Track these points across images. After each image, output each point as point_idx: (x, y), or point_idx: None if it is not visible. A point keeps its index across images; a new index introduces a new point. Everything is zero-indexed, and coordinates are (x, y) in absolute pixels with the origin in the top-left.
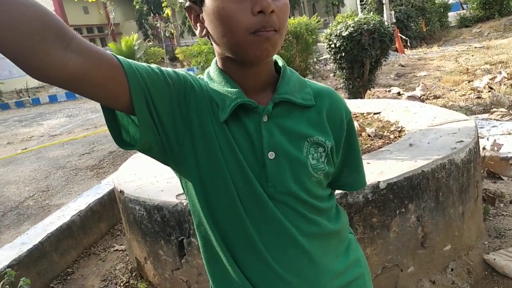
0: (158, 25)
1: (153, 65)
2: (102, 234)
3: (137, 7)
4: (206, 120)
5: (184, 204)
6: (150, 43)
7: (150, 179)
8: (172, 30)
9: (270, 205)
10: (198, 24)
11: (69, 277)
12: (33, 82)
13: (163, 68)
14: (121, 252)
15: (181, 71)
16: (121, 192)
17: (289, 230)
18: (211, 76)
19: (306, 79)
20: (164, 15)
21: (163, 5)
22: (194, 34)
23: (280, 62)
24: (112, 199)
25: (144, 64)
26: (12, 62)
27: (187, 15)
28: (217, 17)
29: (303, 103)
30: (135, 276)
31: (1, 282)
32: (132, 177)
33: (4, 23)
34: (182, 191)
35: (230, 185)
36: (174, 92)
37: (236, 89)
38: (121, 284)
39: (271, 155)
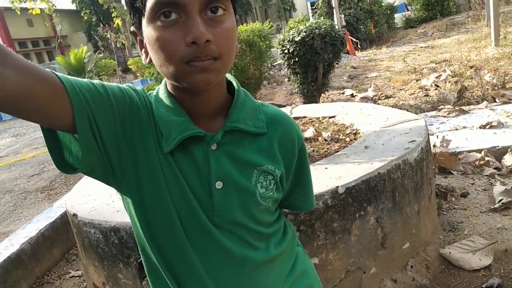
0: (109, 36)
1: (96, 81)
2: (56, 260)
3: (85, 18)
4: (150, 146)
5: None
6: (100, 55)
7: (105, 199)
8: (123, 41)
9: (215, 233)
10: (143, 50)
11: None
12: None
13: (107, 85)
14: (77, 278)
15: (128, 87)
16: (74, 215)
17: (233, 258)
18: (159, 98)
19: (260, 102)
20: (115, 25)
21: (112, 15)
22: None
23: (235, 84)
24: (65, 222)
25: (87, 81)
26: None
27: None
28: (153, 47)
29: (254, 131)
30: None
31: None
32: (86, 198)
33: None
34: None
35: (172, 213)
36: (118, 114)
37: (183, 118)
38: None
39: (219, 184)
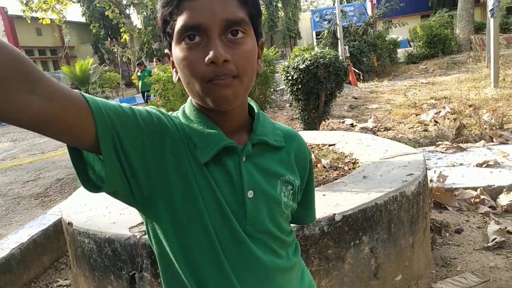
0: (115, 50)
1: (125, 104)
2: (45, 268)
3: (94, 31)
4: (183, 161)
5: (137, 237)
6: (106, 67)
7: (101, 210)
8: (129, 56)
9: (248, 243)
10: (174, 70)
11: None
12: None
13: (135, 108)
14: (65, 287)
15: (154, 110)
16: (70, 224)
17: (265, 267)
18: (188, 115)
19: (274, 121)
20: (122, 40)
21: (121, 30)
22: (151, 60)
23: (254, 106)
24: (58, 230)
25: (115, 103)
26: None
27: (168, 60)
28: (180, 67)
29: (275, 144)
30: None
31: None
32: (82, 207)
33: None
34: (135, 223)
35: (208, 226)
36: (146, 136)
37: (217, 131)
38: None
39: (250, 194)
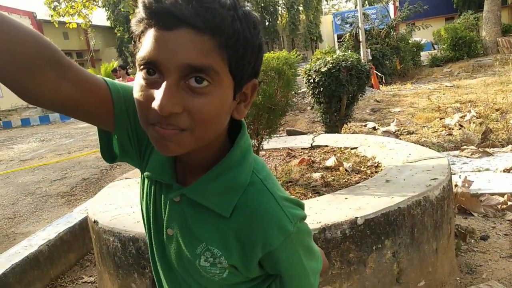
0: None
1: None
2: (71, 265)
3: (118, 34)
4: (143, 166)
5: None
6: (130, 70)
7: (126, 209)
8: None
9: (175, 272)
10: None
11: None
12: (5, 105)
13: None
14: (90, 284)
15: None
16: (95, 222)
17: None
18: None
19: (257, 180)
20: None
21: None
22: None
23: (236, 141)
24: (83, 228)
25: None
26: (5, 86)
27: None
28: (134, 96)
29: (214, 210)
30: None
31: None
32: (108, 206)
33: (1, 50)
34: None
35: (149, 234)
36: None
37: (163, 158)
38: None
39: (170, 231)
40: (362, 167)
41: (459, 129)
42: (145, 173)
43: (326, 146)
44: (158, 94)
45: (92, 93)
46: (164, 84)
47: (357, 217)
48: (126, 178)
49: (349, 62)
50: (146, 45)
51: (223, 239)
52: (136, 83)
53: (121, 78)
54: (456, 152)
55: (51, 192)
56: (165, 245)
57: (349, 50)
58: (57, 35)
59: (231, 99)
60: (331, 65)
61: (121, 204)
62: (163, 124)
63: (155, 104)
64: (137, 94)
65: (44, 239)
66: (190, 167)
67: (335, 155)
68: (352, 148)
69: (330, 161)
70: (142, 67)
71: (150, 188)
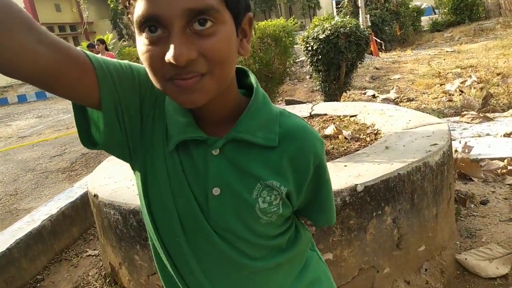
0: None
1: (124, 62)
2: (74, 238)
3: (112, 6)
4: (158, 139)
5: None
6: (125, 42)
7: (125, 183)
8: None
9: (213, 236)
10: None
11: (39, 284)
12: (1, 82)
13: (134, 66)
14: (94, 257)
15: None
16: (95, 196)
17: (229, 261)
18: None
19: (282, 110)
20: None
21: None
22: None
23: (254, 88)
24: (85, 203)
25: (115, 61)
26: None
27: None
28: (142, 61)
29: (261, 143)
30: (109, 282)
31: None
32: (107, 180)
33: None
34: None
35: (172, 208)
36: (139, 95)
37: (187, 120)
38: None
39: (216, 191)
40: (362, 134)
41: (460, 94)
42: (178, 138)
43: (325, 114)
44: (170, 46)
45: (72, 60)
46: (172, 35)
47: (356, 184)
48: None
49: (348, 28)
50: (141, 3)
51: (277, 168)
52: (141, 46)
53: (99, 54)
54: (457, 118)
55: (51, 168)
56: (210, 209)
57: (348, 16)
58: (49, 7)
59: (235, 35)
60: (329, 32)
61: (120, 177)
62: (182, 75)
63: (170, 56)
64: (144, 55)
65: (46, 214)
66: (212, 121)
67: (334, 123)
68: (351, 116)
69: (329, 130)
70: (142, 27)
71: (170, 159)
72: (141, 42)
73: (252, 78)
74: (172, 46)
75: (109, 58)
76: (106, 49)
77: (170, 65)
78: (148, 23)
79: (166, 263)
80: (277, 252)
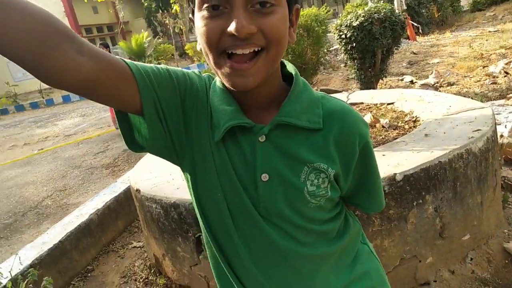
0: (167, 21)
1: (161, 66)
2: (120, 231)
3: (146, 4)
4: (203, 132)
5: None
6: (159, 40)
7: (165, 177)
8: (181, 26)
9: (261, 224)
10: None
11: (89, 274)
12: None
13: (171, 69)
14: (139, 248)
15: (192, 72)
16: (138, 190)
17: (278, 249)
18: (215, 88)
19: (322, 94)
20: (173, 11)
21: (171, 1)
22: None
23: (294, 75)
24: (128, 197)
25: (152, 65)
26: (23, 68)
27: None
28: (199, 36)
29: (306, 126)
30: (154, 272)
31: (25, 282)
32: (148, 175)
33: (13, 30)
34: None
35: (221, 200)
36: (179, 96)
37: (232, 108)
38: (141, 280)
39: (265, 177)
40: (400, 122)
41: (505, 76)
42: (227, 124)
43: (362, 103)
44: (233, 19)
45: (110, 67)
46: (235, 10)
47: (395, 174)
48: None
49: (382, 14)
50: None
51: (324, 151)
52: (200, 21)
53: None
54: (502, 101)
55: (96, 164)
56: (259, 195)
57: (382, 1)
58: (87, 10)
59: (288, 20)
60: (363, 18)
61: (160, 172)
62: (240, 46)
63: (232, 28)
64: (203, 29)
65: (93, 208)
66: (256, 108)
67: (371, 111)
68: (388, 104)
69: (366, 118)
70: (205, 6)
71: (217, 151)
72: (201, 16)
73: (291, 67)
74: (235, 19)
75: (145, 64)
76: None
77: (229, 37)
78: (212, 1)
79: (217, 254)
80: (325, 240)
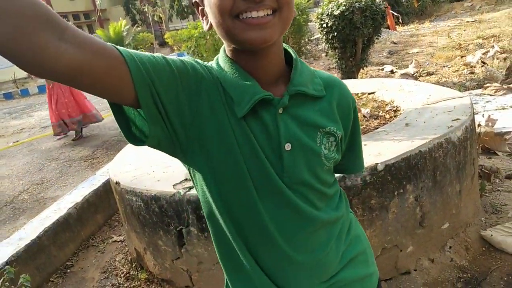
0: (146, 9)
1: (157, 54)
2: (100, 225)
3: None
4: (219, 112)
5: (182, 193)
6: (138, 28)
7: (146, 169)
8: (160, 15)
9: (287, 193)
10: (204, 18)
11: (69, 271)
12: (21, 73)
13: (168, 58)
14: (119, 243)
15: (188, 59)
16: (117, 183)
17: (302, 216)
18: (222, 66)
19: (313, 68)
20: None
21: None
22: (183, 18)
23: (291, 52)
24: (107, 190)
25: (148, 54)
26: (2, 56)
27: (196, 11)
28: (211, 7)
29: (315, 94)
30: (135, 267)
31: (1, 280)
32: (127, 167)
33: None
34: (179, 181)
35: (245, 175)
36: (181, 85)
37: (252, 82)
38: (122, 275)
39: (288, 146)
40: (381, 111)
41: (482, 66)
42: (256, 97)
43: None
44: None
45: (98, 55)
46: None
47: (377, 163)
48: None
49: (363, 3)
50: None
51: (331, 115)
52: None
53: None
54: (479, 91)
55: (74, 156)
56: (284, 164)
57: None
58: None
59: None
60: (344, 7)
61: (140, 164)
62: (255, 8)
63: None
64: None
65: (71, 202)
66: (266, 82)
67: None
68: (369, 93)
69: None
70: None
71: (239, 128)
72: None
73: (287, 47)
74: None
75: (141, 52)
76: None
77: (243, 0)
78: None
79: (237, 243)
80: (333, 204)
